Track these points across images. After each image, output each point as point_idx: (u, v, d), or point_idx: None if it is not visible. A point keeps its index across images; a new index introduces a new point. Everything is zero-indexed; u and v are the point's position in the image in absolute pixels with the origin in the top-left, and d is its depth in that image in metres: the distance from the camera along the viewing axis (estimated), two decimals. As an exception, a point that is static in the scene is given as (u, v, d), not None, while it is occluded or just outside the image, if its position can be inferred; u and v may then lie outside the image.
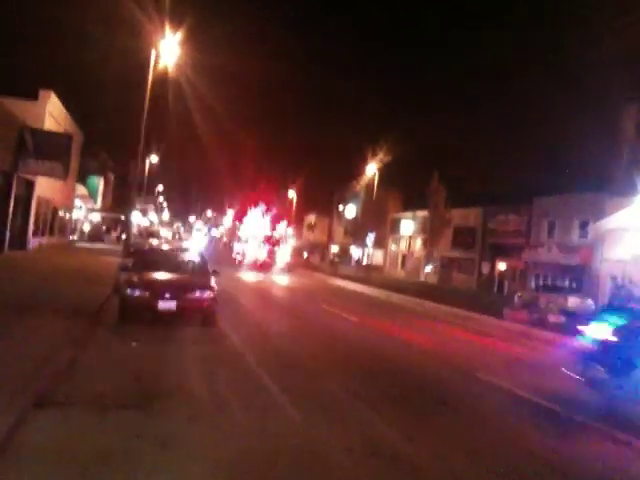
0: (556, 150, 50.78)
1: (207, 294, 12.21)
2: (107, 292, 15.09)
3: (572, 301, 28.15)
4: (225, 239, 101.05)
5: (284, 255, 44.87)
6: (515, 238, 43.81)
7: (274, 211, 65.32)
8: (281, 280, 33.57)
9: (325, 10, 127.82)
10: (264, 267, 40.41)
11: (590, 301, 29.59)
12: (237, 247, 52.29)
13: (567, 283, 37.06)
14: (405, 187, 65.10)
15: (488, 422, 7.70)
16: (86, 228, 52.98)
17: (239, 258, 46.44)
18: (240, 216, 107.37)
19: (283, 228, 62.84)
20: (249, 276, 33.56)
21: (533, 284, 38.78)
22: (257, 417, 6.64)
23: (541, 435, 7.30)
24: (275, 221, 61.57)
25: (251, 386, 8.01)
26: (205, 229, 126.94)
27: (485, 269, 48.64)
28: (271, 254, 43.24)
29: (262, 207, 65.36)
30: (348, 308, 20.31)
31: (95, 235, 50.38)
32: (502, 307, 24.14)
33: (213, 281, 12.94)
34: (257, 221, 59.91)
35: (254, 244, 46.06)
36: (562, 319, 21.93)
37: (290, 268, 43.20)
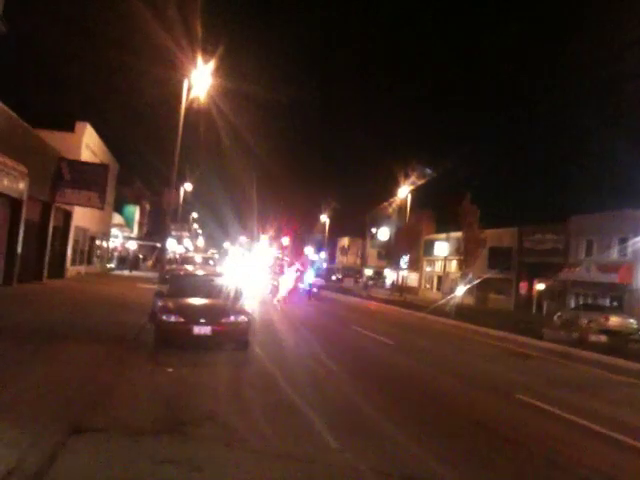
0: (592, 168, 50.18)
1: (241, 318, 12.23)
2: (143, 319, 15.21)
3: (613, 320, 27.54)
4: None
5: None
6: (553, 257, 43.11)
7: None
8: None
9: (359, 35, 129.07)
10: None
11: (632, 320, 28.86)
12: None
13: (608, 302, 36.24)
14: (438, 209, 64.94)
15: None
16: (123, 256, 53.74)
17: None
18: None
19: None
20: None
21: (573, 303, 38.00)
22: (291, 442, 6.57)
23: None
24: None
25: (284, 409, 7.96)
26: (240, 254, 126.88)
27: (523, 289, 47.88)
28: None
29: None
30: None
31: (132, 263, 51.05)
32: (541, 327, 23.63)
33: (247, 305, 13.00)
34: None
35: None
36: (603, 338, 21.45)
37: None
